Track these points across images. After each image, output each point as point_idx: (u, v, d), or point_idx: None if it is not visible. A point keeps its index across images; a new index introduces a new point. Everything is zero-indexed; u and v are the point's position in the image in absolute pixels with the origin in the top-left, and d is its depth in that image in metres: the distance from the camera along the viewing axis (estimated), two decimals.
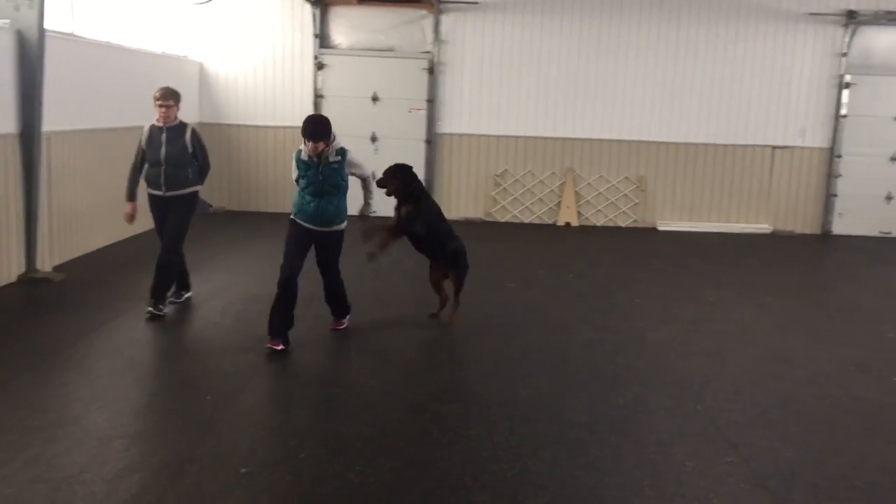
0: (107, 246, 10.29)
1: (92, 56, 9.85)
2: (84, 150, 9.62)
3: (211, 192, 13.76)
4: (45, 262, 8.76)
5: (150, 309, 7.22)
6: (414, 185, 7.33)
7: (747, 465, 4.78)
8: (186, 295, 7.91)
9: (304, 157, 6.41)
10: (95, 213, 9.94)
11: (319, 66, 13.54)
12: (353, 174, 6.63)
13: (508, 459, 4.73)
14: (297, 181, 6.55)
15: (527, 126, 13.73)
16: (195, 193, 7.49)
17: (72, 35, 9.54)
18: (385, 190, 7.28)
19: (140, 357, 6.30)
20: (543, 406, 5.59)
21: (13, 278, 8.24)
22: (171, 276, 7.51)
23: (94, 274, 8.94)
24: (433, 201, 7.61)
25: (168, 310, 7.43)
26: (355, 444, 4.87)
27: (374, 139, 13.70)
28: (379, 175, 7.25)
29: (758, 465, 4.79)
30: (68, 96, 9.18)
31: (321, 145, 6.27)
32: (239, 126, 13.71)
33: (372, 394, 5.72)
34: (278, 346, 6.37)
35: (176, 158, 7.25)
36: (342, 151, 6.46)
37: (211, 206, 7.05)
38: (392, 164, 7.40)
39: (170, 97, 7.27)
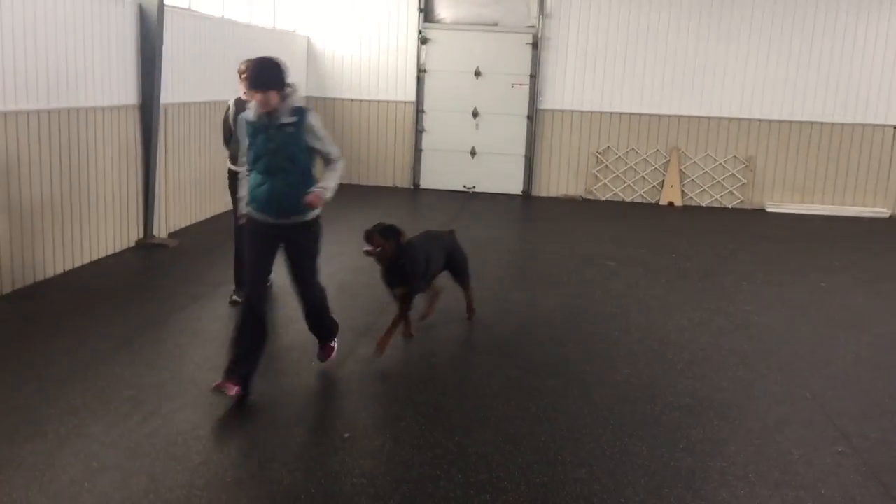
0: (217, 214, 10.68)
1: (207, 30, 10.17)
2: (198, 121, 9.98)
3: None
4: (161, 229, 9.16)
5: (234, 297, 6.82)
6: (407, 255, 5.78)
7: (859, 456, 4.61)
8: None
9: (251, 116, 4.89)
10: (207, 182, 10.31)
11: (423, 41, 13.59)
12: (315, 149, 4.94)
13: (607, 438, 4.70)
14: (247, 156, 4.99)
15: (631, 102, 13.45)
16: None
17: (189, 9, 9.87)
18: (370, 249, 5.70)
19: None
20: (644, 386, 5.52)
21: (132, 243, 8.66)
22: None
23: (205, 241, 9.29)
24: (422, 250, 6.08)
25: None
26: (454, 414, 4.94)
27: (475, 114, 13.68)
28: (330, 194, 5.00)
29: (871, 456, 4.61)
30: (184, 69, 9.52)
31: (272, 97, 4.69)
32: (343, 100, 13.93)
33: (470, 367, 5.78)
34: (231, 389, 4.79)
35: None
36: (300, 112, 4.82)
37: None
38: (379, 222, 5.91)
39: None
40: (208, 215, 10.49)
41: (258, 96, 4.70)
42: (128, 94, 8.38)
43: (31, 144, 6.95)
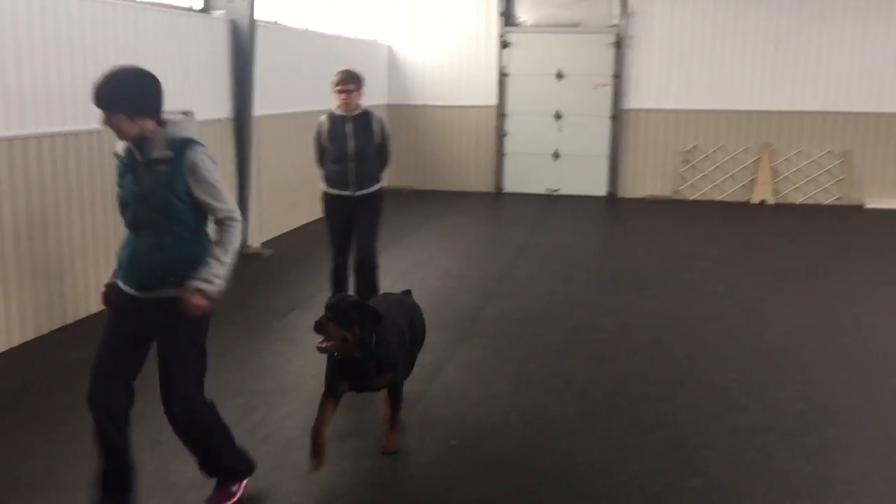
0: (309, 223, 10.84)
1: (294, 43, 10.36)
2: (288, 132, 10.16)
3: (398, 172, 14.19)
4: (255, 238, 9.35)
5: None
6: (383, 342, 4.18)
7: None
8: None
9: (119, 149, 3.52)
10: (298, 191, 10.49)
11: (504, 45, 13.55)
12: (202, 202, 3.45)
13: (720, 446, 4.56)
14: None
15: (719, 99, 13.12)
16: (382, 190, 6.54)
17: (276, 23, 10.06)
18: (325, 346, 4.03)
19: None
20: (754, 392, 5.34)
21: None
22: (375, 290, 6.36)
23: (297, 250, 9.44)
24: (395, 324, 4.44)
25: None
26: (559, 421, 4.87)
27: (558, 116, 13.58)
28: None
29: None
30: (274, 82, 9.70)
31: (120, 122, 3.35)
32: (425, 107, 14.00)
33: (570, 373, 5.69)
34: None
35: (365, 152, 6.29)
36: (182, 145, 3.40)
37: None
38: (340, 297, 4.39)
39: (350, 80, 6.23)
40: (301, 223, 10.66)
41: (114, 119, 3.35)
42: (222, 107, 8.59)
43: None
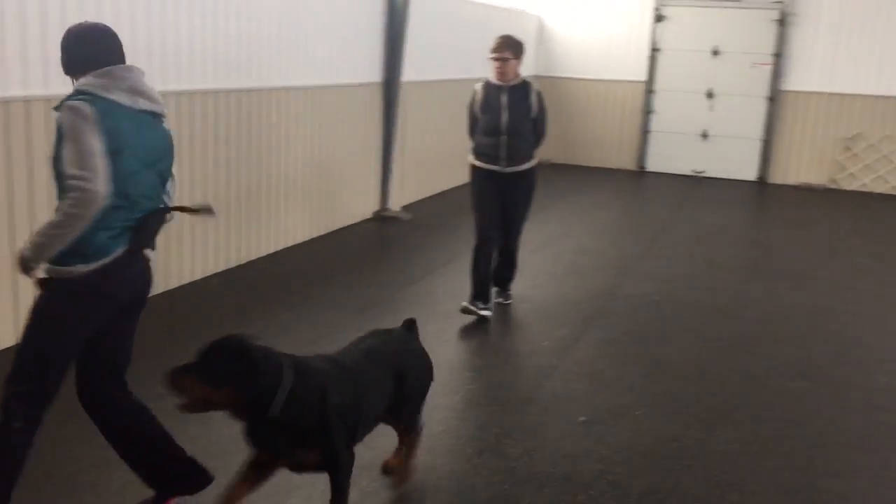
0: (447, 190, 10.97)
1: (446, 9, 10.41)
2: (434, 98, 10.26)
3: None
4: (396, 202, 9.54)
5: (470, 306, 5.96)
6: (297, 400, 2.93)
7: None
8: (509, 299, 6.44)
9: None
10: (438, 158, 10.62)
11: (658, 18, 13.13)
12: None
13: (865, 449, 4.33)
14: None
15: (889, 85, 12.24)
16: (536, 170, 6.12)
17: None
18: (183, 403, 2.85)
19: None
20: None
21: (369, 214, 9.09)
22: (513, 268, 6.38)
23: (435, 216, 9.57)
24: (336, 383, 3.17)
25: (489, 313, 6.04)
26: (692, 408, 4.75)
27: (710, 95, 13.06)
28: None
29: None
30: (423, 48, 9.80)
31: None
32: (571, 79, 13.78)
33: (707, 361, 5.53)
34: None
35: (519, 126, 5.91)
36: (61, 103, 2.96)
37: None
38: (223, 344, 2.87)
39: (506, 48, 5.83)
40: (440, 189, 10.79)
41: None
42: (373, 72, 8.77)
43: (280, 118, 7.43)
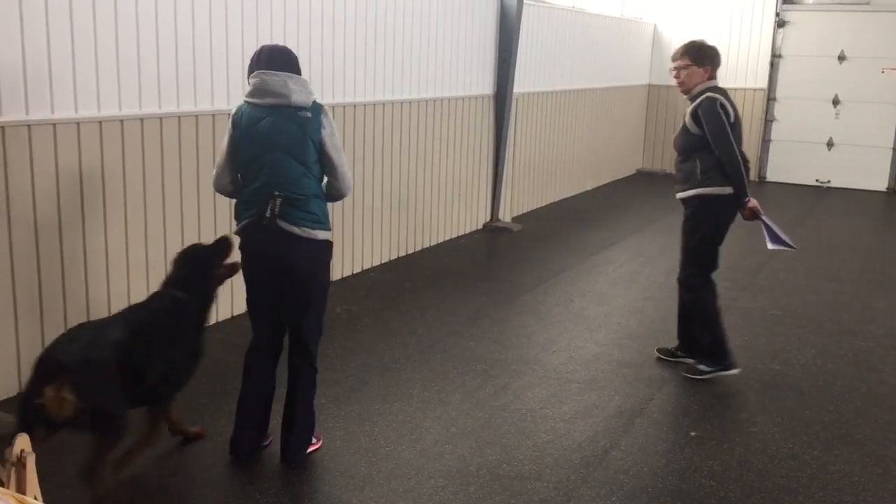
0: (557, 201, 10.95)
1: (559, 21, 10.42)
2: (545, 110, 10.28)
3: (653, 155, 13.86)
4: (507, 213, 9.60)
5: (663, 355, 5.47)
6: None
7: None
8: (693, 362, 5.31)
9: None
10: (550, 169, 10.63)
11: (780, 24, 12.70)
12: None
13: None
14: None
15: None
16: (696, 202, 5.03)
17: (544, 2, 10.18)
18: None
19: (589, 309, 6.60)
20: None
21: (480, 226, 9.18)
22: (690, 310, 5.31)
23: (546, 226, 9.56)
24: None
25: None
26: (812, 427, 4.59)
27: (835, 102, 12.53)
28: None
29: None
30: (535, 60, 9.85)
31: None
32: None
33: (829, 377, 5.31)
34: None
35: (680, 144, 5.12)
36: None
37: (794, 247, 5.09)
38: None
39: (680, 55, 5.11)
40: (549, 202, 10.78)
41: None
42: (485, 84, 8.87)
43: (394, 131, 7.61)
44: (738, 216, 5.08)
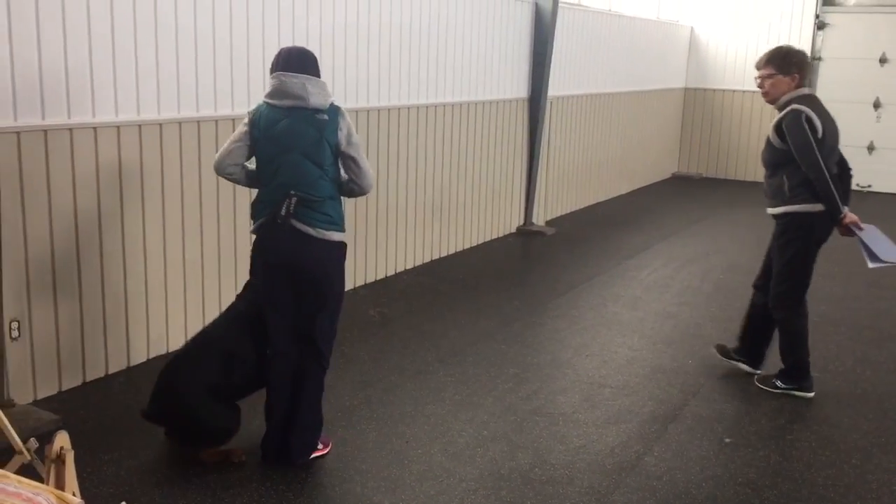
0: (592, 205, 10.90)
1: (594, 24, 10.38)
2: (579, 113, 10.24)
3: (689, 158, 13.74)
4: (540, 217, 9.58)
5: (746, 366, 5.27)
6: None
7: None
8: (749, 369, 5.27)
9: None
10: (584, 173, 10.58)
11: (820, 26, 12.53)
12: None
13: None
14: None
15: None
16: (786, 219, 4.80)
17: (579, 5, 10.14)
18: None
19: (622, 314, 6.55)
20: None
21: (513, 229, 9.17)
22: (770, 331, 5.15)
23: (580, 230, 9.52)
24: None
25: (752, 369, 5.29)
26: (851, 435, 4.52)
27: (876, 105, 12.32)
28: None
29: None
30: (570, 63, 9.82)
31: None
32: (724, 91, 13.37)
33: (865, 384, 5.23)
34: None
35: (767, 159, 4.91)
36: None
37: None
38: None
39: (763, 64, 4.81)
40: (583, 205, 10.73)
41: None
42: (520, 87, 8.86)
43: (428, 134, 7.63)
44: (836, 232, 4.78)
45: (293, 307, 3.95)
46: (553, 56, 8.99)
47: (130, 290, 4.95)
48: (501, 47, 8.43)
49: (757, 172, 12.98)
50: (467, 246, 8.36)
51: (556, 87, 9.40)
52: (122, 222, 4.86)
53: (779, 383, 5.00)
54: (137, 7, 4.75)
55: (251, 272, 4.13)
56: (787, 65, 4.71)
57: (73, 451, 2.52)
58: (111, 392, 4.72)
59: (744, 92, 13.18)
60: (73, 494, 2.45)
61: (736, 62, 13.22)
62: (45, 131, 4.39)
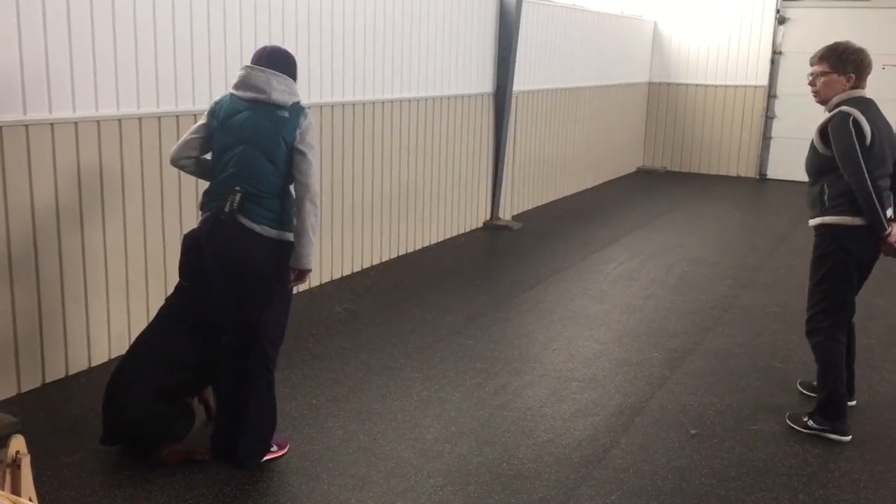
0: (558, 199, 10.94)
1: (559, 19, 10.40)
2: (544, 108, 10.26)
3: (653, 152, 13.86)
4: (506, 211, 9.58)
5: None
6: None
7: None
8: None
9: None
10: (549, 167, 10.61)
11: (781, 20, 12.68)
12: None
13: None
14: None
15: None
16: (825, 232, 4.38)
17: (544, 0, 10.15)
18: None
19: (589, 307, 6.59)
20: None
21: (480, 224, 9.17)
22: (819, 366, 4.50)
23: (546, 225, 9.55)
24: None
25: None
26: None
27: None
28: None
29: None
30: (535, 58, 9.83)
31: None
32: (687, 85, 13.49)
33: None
34: None
35: (808, 167, 4.50)
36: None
37: None
38: None
39: (816, 60, 4.42)
40: (549, 200, 10.77)
41: None
42: (485, 82, 8.86)
43: (393, 129, 7.59)
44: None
45: (236, 306, 3.85)
46: (518, 51, 9.00)
47: (90, 288, 4.86)
48: (466, 42, 8.41)
49: (720, 166, 13.24)
50: (434, 241, 8.35)
51: (522, 81, 9.41)
52: (82, 220, 4.77)
53: (810, 422, 4.44)
54: (94, 1, 4.65)
55: (181, 273, 4.09)
56: (842, 63, 4.32)
57: (29, 456, 2.45)
58: (72, 393, 4.63)
59: (706, 86, 13.33)
60: (30, 500, 2.39)
61: (699, 57, 13.34)
62: (1, 128, 4.29)
